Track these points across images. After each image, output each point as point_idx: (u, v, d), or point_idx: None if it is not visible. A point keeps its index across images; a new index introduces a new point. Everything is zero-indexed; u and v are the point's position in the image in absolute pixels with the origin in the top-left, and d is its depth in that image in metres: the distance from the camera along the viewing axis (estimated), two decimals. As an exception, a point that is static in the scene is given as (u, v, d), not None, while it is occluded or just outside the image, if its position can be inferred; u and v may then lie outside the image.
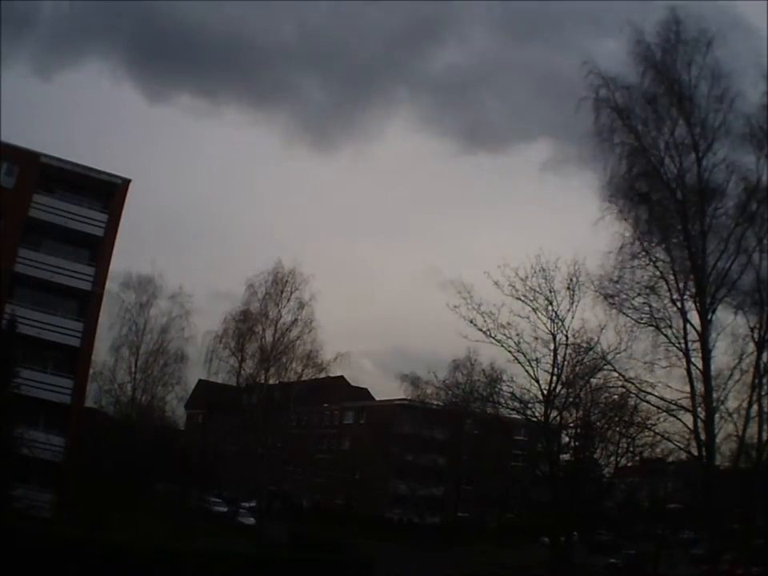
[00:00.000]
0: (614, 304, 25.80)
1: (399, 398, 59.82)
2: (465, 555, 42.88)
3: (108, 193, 41.11)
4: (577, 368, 30.67)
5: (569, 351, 30.41)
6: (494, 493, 48.25)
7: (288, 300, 47.76)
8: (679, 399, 24.63)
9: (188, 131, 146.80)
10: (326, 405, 71.36)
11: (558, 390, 30.84)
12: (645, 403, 26.78)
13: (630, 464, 41.95)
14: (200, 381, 65.83)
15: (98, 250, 40.37)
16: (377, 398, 78.94)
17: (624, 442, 33.89)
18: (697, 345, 24.51)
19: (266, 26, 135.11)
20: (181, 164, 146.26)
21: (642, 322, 25.48)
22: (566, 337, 30.16)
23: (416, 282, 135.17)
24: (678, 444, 26.20)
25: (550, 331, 30.14)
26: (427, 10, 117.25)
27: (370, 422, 68.37)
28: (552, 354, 30.30)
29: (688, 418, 24.58)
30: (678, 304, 25.07)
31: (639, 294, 25.46)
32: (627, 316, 25.75)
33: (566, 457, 35.27)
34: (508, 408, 32.23)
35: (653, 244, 25.58)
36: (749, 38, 25.83)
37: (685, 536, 46.92)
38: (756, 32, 26.90)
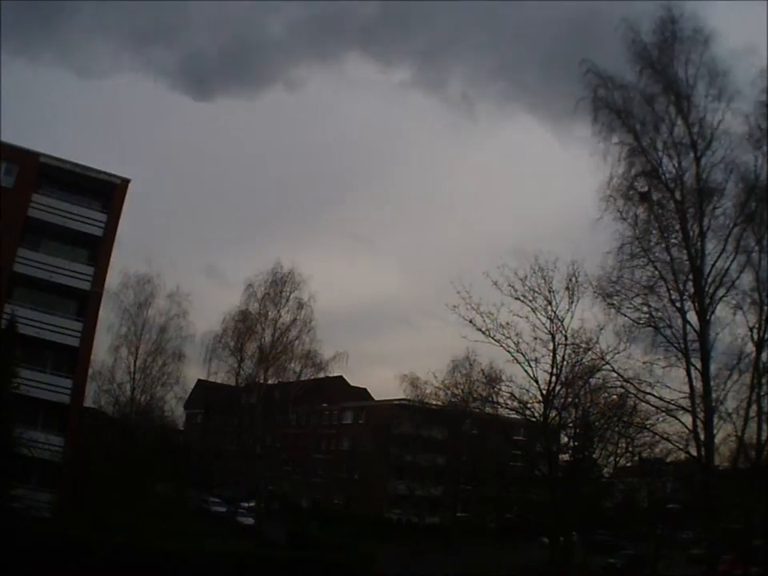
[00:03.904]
0: (613, 304, 25.83)
1: (398, 397, 59.88)
2: (464, 555, 42.84)
3: (107, 192, 41.09)
4: (576, 368, 30.59)
5: (568, 351, 30.29)
6: (493, 493, 48.15)
7: (287, 300, 47.95)
8: (678, 399, 24.72)
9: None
10: (324, 405, 71.41)
11: (557, 390, 30.75)
12: (644, 403, 26.78)
13: (629, 464, 41.99)
14: (199, 381, 65.93)
15: (97, 249, 40.36)
16: (376, 398, 79.05)
17: (623, 442, 33.89)
18: (696, 345, 24.57)
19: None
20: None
21: (641, 322, 25.52)
22: (565, 337, 30.04)
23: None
24: (677, 444, 26.28)
25: (549, 331, 30.03)
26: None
27: (369, 421, 68.37)
28: (551, 354, 30.19)
29: (687, 418, 24.66)
30: (677, 304, 25.14)
31: (638, 294, 25.53)
32: (626, 316, 25.80)
33: (565, 457, 35.21)
34: (507, 408, 32.08)
35: (652, 244, 25.62)
36: (746, 36, 25.87)
37: (684, 536, 46.93)
38: (753, 30, 26.93)
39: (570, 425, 33.61)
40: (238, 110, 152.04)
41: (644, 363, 25.42)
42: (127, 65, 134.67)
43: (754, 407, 24.56)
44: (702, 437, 24.12)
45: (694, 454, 24.78)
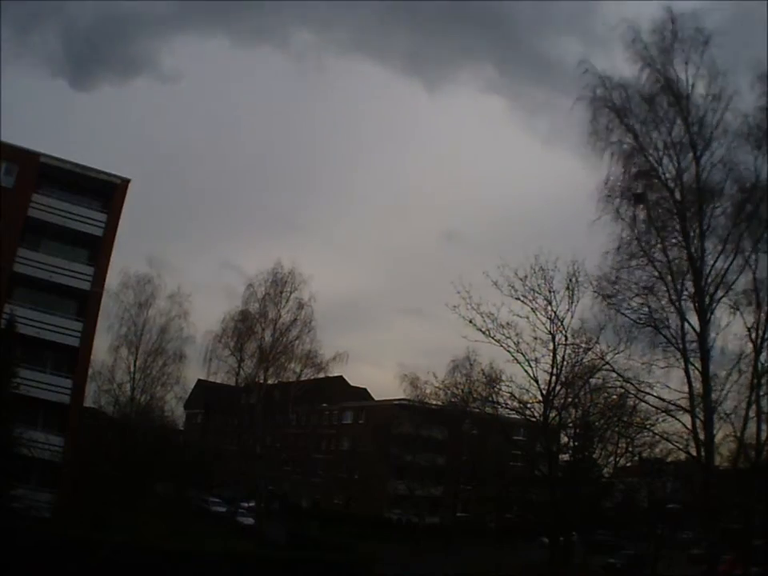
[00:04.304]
0: (612, 304, 25.82)
1: (398, 397, 59.91)
2: (464, 555, 42.86)
3: (107, 192, 41.10)
4: (576, 368, 30.60)
5: (568, 351, 30.31)
6: (493, 493, 48.18)
7: (287, 300, 47.91)
8: (678, 399, 24.72)
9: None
10: (324, 405, 71.43)
11: (557, 390, 30.76)
12: (644, 403, 26.81)
13: (629, 464, 41.98)
14: (199, 381, 65.91)
15: (97, 249, 40.37)
16: (376, 398, 79.07)
17: (623, 443, 33.88)
18: (695, 345, 24.56)
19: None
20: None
21: (641, 322, 25.51)
22: (565, 337, 30.08)
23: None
24: (677, 444, 26.27)
25: (549, 331, 30.04)
26: None
27: (369, 421, 68.40)
28: (551, 354, 30.21)
29: (687, 419, 24.66)
30: (677, 304, 25.12)
31: (638, 295, 25.53)
32: (626, 316, 25.77)
33: (565, 457, 35.24)
34: (507, 408, 32.10)
35: (651, 244, 25.62)
36: (746, 37, 25.85)
37: (684, 536, 46.94)
38: (753, 30, 26.91)
39: (570, 425, 33.63)
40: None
41: (644, 363, 25.43)
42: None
43: (754, 407, 24.55)
44: (701, 437, 24.11)
45: (694, 454, 24.77)
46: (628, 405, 29.13)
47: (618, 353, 26.86)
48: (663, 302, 25.31)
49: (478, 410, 38.86)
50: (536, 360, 30.23)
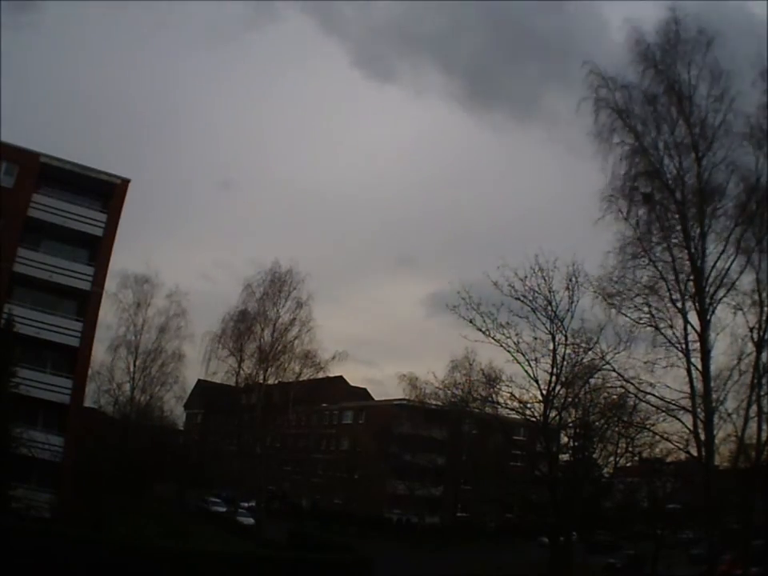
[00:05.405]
0: (613, 304, 25.84)
1: (398, 397, 59.90)
2: (464, 555, 42.87)
3: (107, 192, 41.06)
4: (576, 368, 30.62)
5: (568, 351, 30.37)
6: (493, 493, 48.20)
7: (286, 300, 47.87)
8: (678, 399, 24.70)
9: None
10: (324, 405, 71.43)
11: (557, 390, 30.79)
12: (644, 403, 26.80)
13: (629, 464, 42.01)
14: (199, 381, 65.93)
15: (97, 249, 40.32)
16: (376, 398, 79.07)
17: (623, 442, 33.90)
18: (696, 345, 24.56)
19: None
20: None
21: (642, 322, 25.53)
22: (565, 337, 30.14)
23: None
24: (678, 444, 26.30)
25: (549, 331, 30.11)
26: None
27: (368, 421, 68.40)
28: (551, 354, 30.27)
29: (687, 418, 24.65)
30: (678, 304, 25.14)
31: (639, 294, 25.52)
32: (627, 316, 25.82)
33: (565, 457, 35.28)
34: (507, 408, 32.15)
35: (653, 244, 25.63)
36: (748, 38, 25.82)
37: (684, 536, 46.95)
38: (755, 31, 26.87)
39: (570, 425, 33.64)
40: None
41: (644, 363, 25.39)
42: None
43: (754, 407, 24.57)
44: (702, 437, 24.12)
45: (695, 453, 24.78)
46: (628, 405, 29.14)
47: (618, 352, 26.96)
48: (665, 302, 25.34)
49: (477, 410, 38.91)
50: (536, 360, 30.30)
